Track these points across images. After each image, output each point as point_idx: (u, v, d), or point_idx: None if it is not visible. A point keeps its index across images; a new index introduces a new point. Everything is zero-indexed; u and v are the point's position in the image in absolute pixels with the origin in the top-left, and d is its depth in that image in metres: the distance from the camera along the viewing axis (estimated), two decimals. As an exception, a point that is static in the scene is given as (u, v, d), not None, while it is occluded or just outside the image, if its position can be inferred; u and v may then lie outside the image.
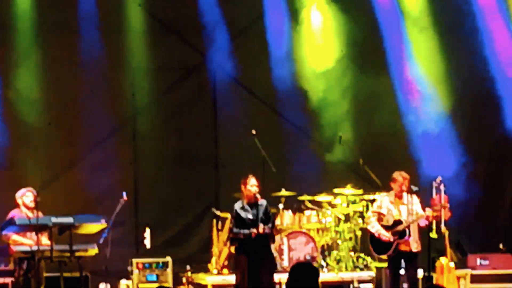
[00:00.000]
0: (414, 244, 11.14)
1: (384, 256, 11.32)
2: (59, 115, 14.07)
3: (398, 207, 11.20)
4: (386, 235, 11.12)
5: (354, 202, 13.38)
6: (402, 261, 11.17)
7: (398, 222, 11.11)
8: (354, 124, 14.69)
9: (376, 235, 11.19)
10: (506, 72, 14.66)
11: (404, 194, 11.17)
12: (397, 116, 14.67)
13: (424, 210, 11.10)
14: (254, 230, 10.83)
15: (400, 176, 11.18)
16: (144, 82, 14.39)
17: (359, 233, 13.20)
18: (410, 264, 11.18)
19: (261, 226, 10.84)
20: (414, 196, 11.18)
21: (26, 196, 11.49)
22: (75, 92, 14.05)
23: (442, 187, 11.48)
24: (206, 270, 13.06)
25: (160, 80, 14.46)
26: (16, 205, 11.54)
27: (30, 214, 11.26)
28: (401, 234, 11.08)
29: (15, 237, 11.33)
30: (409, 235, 11.05)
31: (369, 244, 11.42)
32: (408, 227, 11.04)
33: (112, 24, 14.21)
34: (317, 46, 14.82)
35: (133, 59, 14.30)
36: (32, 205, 11.29)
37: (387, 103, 14.69)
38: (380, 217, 11.26)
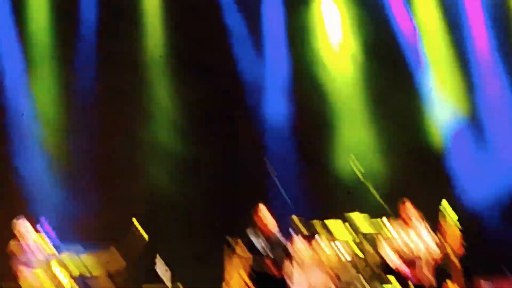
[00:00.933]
0: (426, 276, 10.89)
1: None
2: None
3: (409, 237, 11.01)
4: (399, 266, 10.92)
5: (364, 230, 13.07)
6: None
7: (409, 252, 10.89)
8: (369, 144, 14.34)
9: (390, 265, 11.00)
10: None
11: (413, 222, 10.95)
12: (417, 134, 14.28)
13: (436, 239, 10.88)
14: (271, 268, 10.67)
15: (404, 204, 11.02)
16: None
17: (372, 259, 12.86)
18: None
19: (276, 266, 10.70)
20: (423, 226, 10.95)
21: None
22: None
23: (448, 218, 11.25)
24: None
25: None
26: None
27: None
28: (413, 264, 10.87)
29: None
30: (420, 267, 10.83)
31: (383, 273, 11.24)
32: (418, 257, 10.84)
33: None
34: (331, 54, 14.54)
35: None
36: None
37: (409, 119, 14.34)
38: (391, 246, 11.04)
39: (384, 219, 12.53)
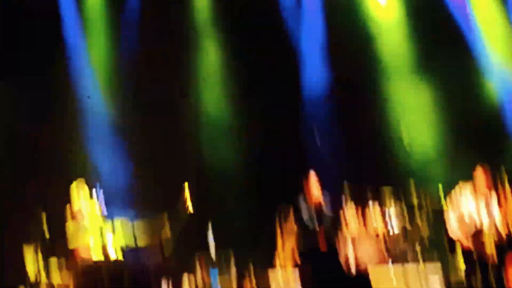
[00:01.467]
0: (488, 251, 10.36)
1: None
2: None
3: (475, 207, 10.47)
4: (460, 238, 10.55)
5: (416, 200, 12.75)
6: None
7: (473, 224, 10.42)
8: (418, 108, 13.98)
9: (451, 236, 10.55)
10: None
11: (482, 191, 10.40)
12: (471, 97, 13.74)
13: None
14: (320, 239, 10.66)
15: (476, 170, 10.41)
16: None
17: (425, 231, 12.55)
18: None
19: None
20: (493, 197, 10.47)
21: None
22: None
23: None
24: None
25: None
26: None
27: None
28: (476, 237, 10.44)
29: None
30: (482, 240, 10.42)
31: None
32: (481, 230, 10.37)
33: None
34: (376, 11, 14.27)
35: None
36: None
37: (461, 81, 13.81)
38: (455, 217, 10.64)
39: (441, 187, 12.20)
